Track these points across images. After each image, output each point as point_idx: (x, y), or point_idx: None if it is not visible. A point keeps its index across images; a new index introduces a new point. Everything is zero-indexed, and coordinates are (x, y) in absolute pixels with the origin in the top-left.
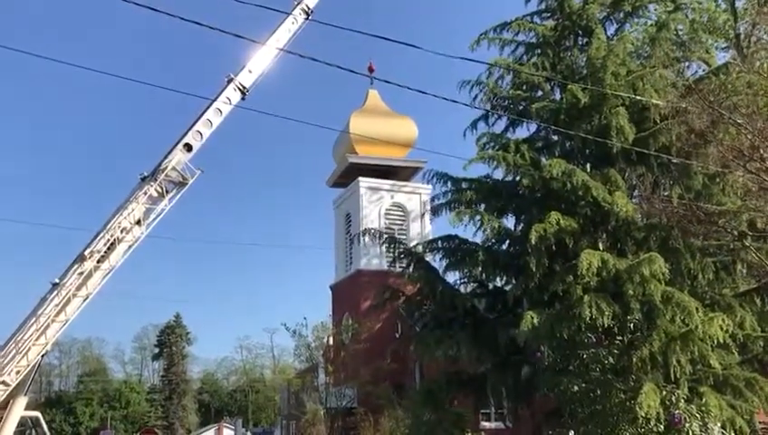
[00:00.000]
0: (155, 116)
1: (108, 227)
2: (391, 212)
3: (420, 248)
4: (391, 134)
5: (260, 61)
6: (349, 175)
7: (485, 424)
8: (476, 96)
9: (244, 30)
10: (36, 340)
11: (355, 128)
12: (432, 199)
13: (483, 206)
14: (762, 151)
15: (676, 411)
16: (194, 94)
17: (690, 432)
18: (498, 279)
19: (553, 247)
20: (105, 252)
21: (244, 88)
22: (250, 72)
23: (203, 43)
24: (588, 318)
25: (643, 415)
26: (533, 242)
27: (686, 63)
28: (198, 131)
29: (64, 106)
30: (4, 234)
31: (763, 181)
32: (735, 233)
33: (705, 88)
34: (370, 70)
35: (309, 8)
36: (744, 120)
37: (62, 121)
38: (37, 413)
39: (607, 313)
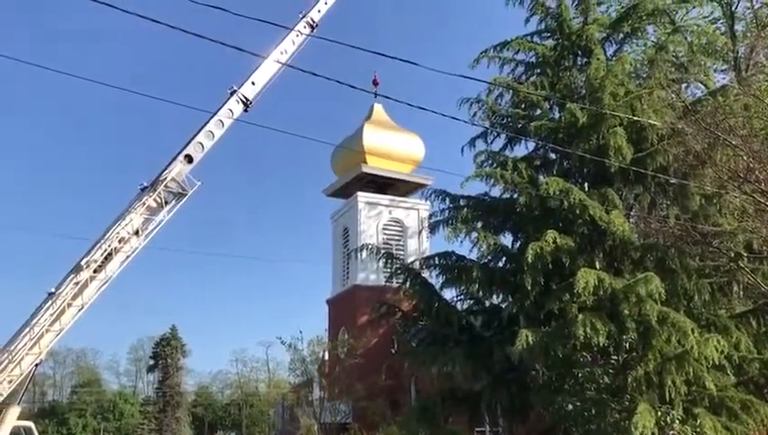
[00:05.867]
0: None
1: (105, 236)
2: (389, 227)
3: (417, 264)
4: (399, 149)
5: (264, 73)
6: (349, 186)
7: None
8: (475, 113)
9: (249, 39)
10: (30, 349)
11: (367, 140)
12: (430, 217)
13: (480, 223)
14: (757, 173)
15: (671, 432)
16: (192, 107)
17: None
18: (495, 297)
19: (550, 266)
20: (102, 262)
21: (248, 100)
22: (253, 83)
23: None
24: (583, 337)
25: None
26: (530, 260)
27: (685, 85)
28: (200, 143)
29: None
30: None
31: (759, 203)
32: (732, 254)
33: (702, 110)
34: (375, 83)
35: (314, 21)
36: (740, 142)
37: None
38: (30, 423)
39: (602, 332)
